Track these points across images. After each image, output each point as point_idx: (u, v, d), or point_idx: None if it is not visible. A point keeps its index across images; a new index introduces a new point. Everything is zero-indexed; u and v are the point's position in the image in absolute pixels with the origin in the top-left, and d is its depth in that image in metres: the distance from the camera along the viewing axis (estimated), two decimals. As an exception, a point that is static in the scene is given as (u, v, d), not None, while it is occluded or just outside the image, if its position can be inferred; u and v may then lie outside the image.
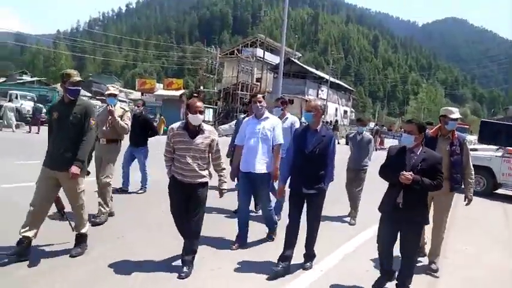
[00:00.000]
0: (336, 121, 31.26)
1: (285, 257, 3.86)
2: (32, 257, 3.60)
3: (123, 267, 3.61)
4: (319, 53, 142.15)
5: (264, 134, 4.43)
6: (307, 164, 3.83)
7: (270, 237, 4.81)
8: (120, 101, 31.36)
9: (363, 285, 3.67)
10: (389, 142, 29.90)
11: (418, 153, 3.39)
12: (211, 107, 29.71)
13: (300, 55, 67.91)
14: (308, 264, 4.02)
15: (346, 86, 61.47)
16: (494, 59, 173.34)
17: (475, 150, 10.79)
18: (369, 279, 3.70)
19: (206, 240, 4.30)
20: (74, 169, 3.66)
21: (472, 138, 23.99)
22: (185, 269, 3.58)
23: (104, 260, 3.75)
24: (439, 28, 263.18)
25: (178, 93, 27.38)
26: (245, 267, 3.90)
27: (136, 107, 6.79)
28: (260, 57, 36.02)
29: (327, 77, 46.08)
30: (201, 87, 28.86)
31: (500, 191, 10.30)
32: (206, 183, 3.72)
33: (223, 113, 30.73)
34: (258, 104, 4.50)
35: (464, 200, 4.28)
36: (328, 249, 4.47)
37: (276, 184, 4.68)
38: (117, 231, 4.64)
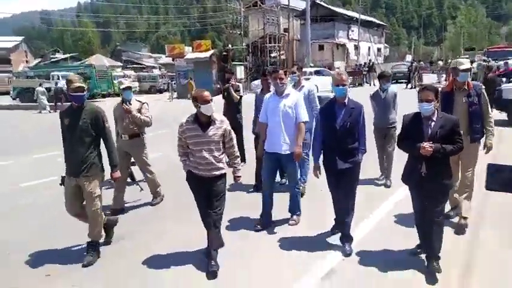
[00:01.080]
0: (371, 62, 30.07)
1: (338, 227, 4.08)
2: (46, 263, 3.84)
3: (151, 263, 3.74)
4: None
5: (286, 112, 4.30)
6: (338, 139, 3.76)
7: (292, 220, 4.62)
8: (151, 67, 32.24)
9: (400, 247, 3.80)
10: (430, 78, 28.74)
11: (434, 120, 3.30)
12: (241, 64, 29.57)
13: (326, -5, 64.57)
14: (347, 248, 3.85)
15: (378, 21, 58.29)
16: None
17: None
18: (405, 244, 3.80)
19: (229, 220, 4.34)
20: (116, 174, 3.94)
21: None
22: (213, 262, 3.52)
23: (133, 255, 3.90)
24: None
25: (207, 54, 27.44)
26: (270, 251, 3.92)
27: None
28: (285, 5, 34.78)
29: (356, 15, 43.88)
30: (230, 46, 28.61)
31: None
32: (224, 174, 3.65)
33: (254, 68, 30.55)
34: (279, 81, 4.35)
35: (484, 148, 4.23)
36: (363, 214, 4.47)
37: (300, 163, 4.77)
38: (130, 225, 4.68)
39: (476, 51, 41.11)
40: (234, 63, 28.73)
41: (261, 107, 4.90)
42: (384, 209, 4.91)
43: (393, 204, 4.99)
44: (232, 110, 7.11)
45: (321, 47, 39.16)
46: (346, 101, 3.80)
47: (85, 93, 3.82)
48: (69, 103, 4.02)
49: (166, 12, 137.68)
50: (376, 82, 23.66)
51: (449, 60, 35.47)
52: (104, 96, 28.06)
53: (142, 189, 5.40)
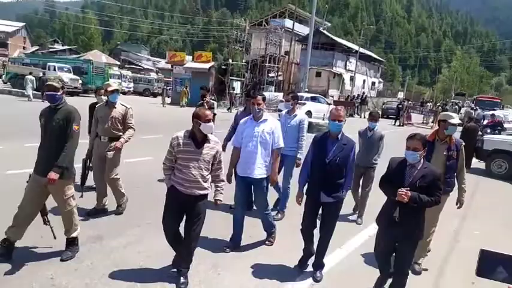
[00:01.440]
0: (364, 95, 30.76)
1: (309, 254, 4.07)
2: (16, 259, 3.68)
3: (118, 277, 3.63)
4: (348, 18, 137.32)
5: (263, 138, 4.29)
6: (326, 172, 3.77)
7: (268, 241, 4.65)
8: (149, 70, 32.37)
9: (364, 283, 3.82)
10: (417, 118, 29.56)
11: (418, 169, 3.32)
12: (239, 80, 30.01)
13: (329, 24, 66.19)
14: (318, 274, 3.96)
15: (376, 56, 59.85)
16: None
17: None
18: (369, 279, 3.80)
19: (200, 239, 4.14)
20: (52, 175, 3.59)
21: (503, 114, 23.10)
22: (182, 279, 3.54)
23: (96, 270, 3.73)
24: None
25: (207, 65, 27.82)
26: (240, 272, 3.94)
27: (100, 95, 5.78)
28: (288, 28, 35.62)
29: (356, 48, 45.08)
30: (230, 60, 29.07)
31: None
32: (207, 195, 3.61)
33: (250, 84, 31.01)
34: (257, 106, 4.33)
35: (456, 204, 4.38)
36: (332, 247, 4.34)
37: (275, 186, 4.83)
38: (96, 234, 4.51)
39: (466, 97, 42.30)
40: (231, 77, 29.14)
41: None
42: (354, 243, 4.94)
43: (363, 240, 5.05)
44: None
45: (318, 74, 39.99)
46: (339, 136, 3.82)
47: (59, 93, 3.73)
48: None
49: (171, 18, 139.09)
50: (367, 115, 24.21)
51: (438, 104, 36.46)
52: (96, 92, 27.87)
53: (81, 197, 4.96)
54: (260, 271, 3.99)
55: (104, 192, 5.12)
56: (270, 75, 33.06)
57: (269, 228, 4.65)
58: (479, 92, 61.39)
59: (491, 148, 10.00)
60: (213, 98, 19.34)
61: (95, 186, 5.32)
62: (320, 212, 3.96)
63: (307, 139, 5.12)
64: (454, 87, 63.86)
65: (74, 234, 3.87)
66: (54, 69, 26.01)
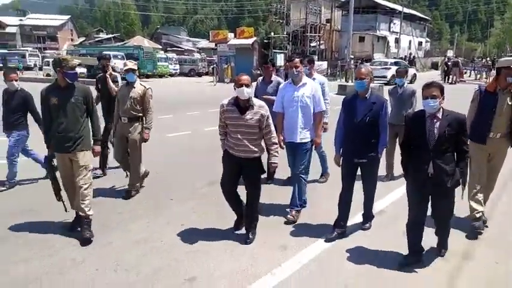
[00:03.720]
0: (412, 55, 29.78)
1: (339, 225, 3.93)
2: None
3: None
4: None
5: (303, 102, 4.22)
6: (357, 133, 3.71)
7: (290, 215, 4.37)
8: (190, 51, 33.26)
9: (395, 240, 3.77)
10: (472, 75, 28.42)
11: (441, 118, 3.15)
12: (281, 52, 30.26)
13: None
14: (367, 225, 4.07)
15: (421, 15, 56.95)
16: None
17: None
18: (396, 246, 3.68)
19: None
20: (98, 148, 4.07)
21: None
22: (250, 235, 3.78)
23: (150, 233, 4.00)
24: None
25: (250, 41, 28.29)
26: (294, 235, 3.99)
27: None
28: (327, -5, 34.95)
29: (399, 8, 43.27)
30: (272, 33, 29.33)
31: None
32: (259, 157, 3.74)
33: (293, 56, 31.09)
34: (295, 69, 4.21)
35: None
36: (359, 209, 4.23)
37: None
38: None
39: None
40: (274, 51, 29.44)
41: (260, 96, 5.02)
42: (380, 205, 4.74)
43: (390, 203, 4.92)
44: (107, 106, 5.77)
45: (362, 39, 39.09)
46: (368, 95, 3.74)
47: (78, 71, 3.92)
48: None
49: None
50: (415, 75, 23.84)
51: (488, 59, 34.61)
52: (147, 76, 29.36)
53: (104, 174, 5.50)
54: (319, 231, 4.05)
55: (130, 170, 5.21)
56: (312, 44, 32.89)
57: (298, 197, 4.40)
58: (538, 43, 56.83)
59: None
60: (258, 72, 20.02)
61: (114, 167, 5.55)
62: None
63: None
64: (509, 41, 59.53)
65: (90, 212, 3.92)
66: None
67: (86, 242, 3.77)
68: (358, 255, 3.57)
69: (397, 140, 5.49)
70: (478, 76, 27.49)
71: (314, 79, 5.13)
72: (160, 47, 52.18)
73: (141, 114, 5.04)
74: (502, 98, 3.85)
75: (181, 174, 6.16)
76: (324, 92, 5.07)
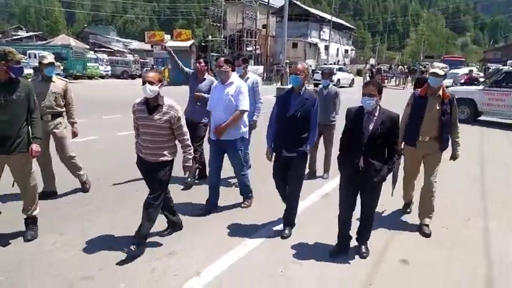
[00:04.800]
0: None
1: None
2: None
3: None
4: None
5: (227, 101, 4.28)
6: (289, 127, 3.81)
7: (243, 203, 4.68)
8: (120, 52, 31.94)
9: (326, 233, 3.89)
10: (391, 81, 31.24)
11: (376, 115, 3.34)
12: (219, 55, 30.65)
13: (300, -5, 66.47)
14: (287, 232, 3.97)
15: (347, 24, 61.02)
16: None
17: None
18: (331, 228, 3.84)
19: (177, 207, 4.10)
20: (36, 147, 3.62)
21: (463, 71, 24.82)
22: (132, 247, 3.37)
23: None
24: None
25: (188, 43, 28.22)
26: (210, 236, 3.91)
27: None
28: (262, 2, 36.09)
29: (329, 17, 46.03)
30: (209, 37, 29.56)
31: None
32: (168, 162, 3.49)
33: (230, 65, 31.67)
34: (219, 68, 4.35)
35: (451, 159, 4.25)
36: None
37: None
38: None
39: (435, 59, 44.43)
40: (212, 54, 29.73)
41: (192, 93, 5.21)
42: (309, 200, 4.94)
43: (320, 197, 5.11)
44: None
45: (295, 45, 40.97)
46: (302, 91, 3.86)
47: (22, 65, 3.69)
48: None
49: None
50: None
51: (406, 66, 38.34)
52: (76, 77, 27.88)
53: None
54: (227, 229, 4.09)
55: (52, 175, 4.84)
56: (248, 49, 33.74)
57: (246, 194, 4.68)
58: (447, 53, 63.86)
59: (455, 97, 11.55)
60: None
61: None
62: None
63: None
64: (422, 50, 66.08)
65: (35, 212, 3.75)
66: (35, 57, 25.90)
67: (29, 240, 3.63)
68: (293, 248, 3.72)
69: (321, 138, 5.79)
70: (397, 82, 30.25)
71: (248, 78, 5.27)
72: (88, 47, 49.68)
73: (63, 110, 4.79)
74: (432, 103, 4.01)
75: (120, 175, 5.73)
76: (256, 92, 5.28)
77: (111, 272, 3.19)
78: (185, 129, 3.53)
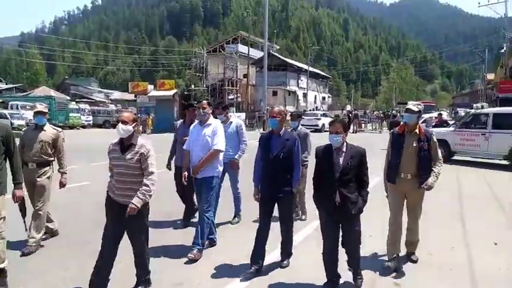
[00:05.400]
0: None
1: (256, 261, 3.94)
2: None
3: None
4: (291, 39, 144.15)
5: (203, 141, 4.43)
6: (273, 168, 3.92)
7: (190, 255, 4.32)
8: (101, 102, 32.60)
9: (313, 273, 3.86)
10: (368, 125, 32.55)
11: (345, 151, 3.49)
12: (201, 104, 31.41)
13: (278, 47, 69.87)
14: (285, 262, 4.12)
15: (323, 73, 64.08)
16: (461, 33, 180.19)
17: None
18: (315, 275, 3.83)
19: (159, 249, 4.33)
20: (19, 192, 3.68)
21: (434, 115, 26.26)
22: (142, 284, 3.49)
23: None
24: (406, 6, 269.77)
25: (170, 93, 28.98)
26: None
27: None
28: (242, 53, 37.84)
29: (305, 67, 48.39)
30: (192, 86, 30.50)
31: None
32: (142, 204, 3.31)
33: (212, 108, 32.47)
34: (202, 110, 4.49)
35: (421, 185, 4.06)
36: (275, 244, 4.32)
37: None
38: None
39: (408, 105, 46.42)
40: (195, 102, 30.42)
41: (180, 138, 5.29)
42: (300, 236, 4.99)
43: (303, 237, 5.09)
44: None
45: (275, 93, 42.51)
46: (282, 132, 4.03)
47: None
48: None
49: (116, 48, 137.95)
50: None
51: (381, 111, 40.18)
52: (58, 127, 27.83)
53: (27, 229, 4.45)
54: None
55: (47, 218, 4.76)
56: (230, 97, 34.80)
57: (201, 236, 4.38)
58: (418, 99, 67.11)
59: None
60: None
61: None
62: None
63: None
64: (394, 97, 69.30)
65: (2, 265, 3.48)
66: (17, 108, 26.03)
67: None
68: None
69: None
70: (374, 126, 31.51)
71: (231, 122, 5.47)
72: (69, 98, 49.94)
73: (52, 159, 4.68)
74: (409, 140, 4.09)
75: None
76: (241, 134, 5.51)
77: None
78: (152, 168, 3.35)
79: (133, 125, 3.33)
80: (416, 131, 4.10)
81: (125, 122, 3.27)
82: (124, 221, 3.29)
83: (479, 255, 4.57)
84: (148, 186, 3.31)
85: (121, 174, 3.32)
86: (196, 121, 4.83)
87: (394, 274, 3.98)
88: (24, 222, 4.35)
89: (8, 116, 23.75)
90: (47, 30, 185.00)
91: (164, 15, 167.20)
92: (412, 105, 4.15)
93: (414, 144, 4.06)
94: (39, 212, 4.50)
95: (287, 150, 3.93)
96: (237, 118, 5.92)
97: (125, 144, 3.35)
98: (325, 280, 3.61)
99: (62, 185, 4.77)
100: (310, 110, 37.66)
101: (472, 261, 4.40)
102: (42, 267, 4.07)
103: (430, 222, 5.34)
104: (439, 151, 4.17)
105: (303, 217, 5.95)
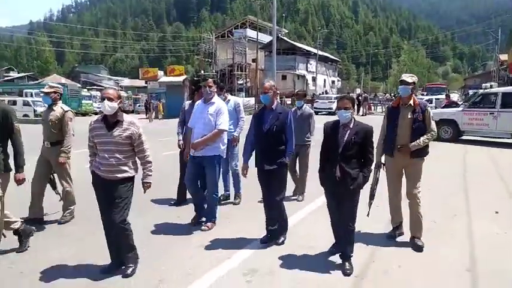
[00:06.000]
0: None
1: (268, 229, 4.16)
2: None
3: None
4: (300, 23, 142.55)
5: (206, 119, 4.46)
6: (266, 141, 4.00)
7: (205, 225, 4.58)
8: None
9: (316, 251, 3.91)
10: (377, 108, 32.57)
11: (351, 127, 3.54)
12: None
13: (287, 31, 69.42)
14: (282, 238, 4.16)
15: (332, 57, 63.57)
16: (474, 13, 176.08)
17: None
18: (321, 246, 3.96)
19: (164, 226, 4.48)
20: (21, 175, 3.75)
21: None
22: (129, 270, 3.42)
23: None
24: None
25: (180, 78, 29.23)
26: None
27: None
28: (251, 38, 37.81)
29: (314, 51, 48.16)
30: (202, 71, 30.73)
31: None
32: (129, 178, 3.41)
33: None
34: (208, 88, 4.52)
35: (401, 147, 4.08)
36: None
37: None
38: None
39: (418, 88, 46.43)
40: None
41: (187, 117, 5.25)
42: (298, 216, 5.02)
43: (307, 214, 5.18)
44: None
45: (284, 77, 42.53)
46: (274, 106, 4.09)
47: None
48: None
49: (124, 35, 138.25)
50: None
51: (392, 94, 40.08)
52: (71, 115, 28.45)
53: (61, 199, 4.87)
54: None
55: (41, 201, 4.78)
56: (239, 82, 34.95)
57: (210, 216, 4.62)
58: (429, 81, 66.46)
59: (438, 118, 12.25)
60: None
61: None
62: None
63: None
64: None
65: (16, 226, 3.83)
66: (32, 95, 26.63)
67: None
68: (290, 262, 3.72)
69: (297, 159, 5.81)
70: (383, 109, 31.51)
71: (229, 100, 5.50)
72: (79, 85, 50.60)
73: (61, 139, 4.72)
74: (404, 112, 4.11)
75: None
76: (239, 111, 5.59)
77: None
78: (146, 145, 3.46)
79: (118, 101, 3.33)
80: (411, 102, 4.10)
81: (110, 99, 3.25)
82: (112, 196, 3.34)
83: (479, 222, 4.86)
84: (151, 162, 3.50)
85: (109, 151, 3.31)
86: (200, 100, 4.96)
87: (398, 239, 4.26)
88: (58, 193, 4.86)
89: (31, 104, 24.54)
90: (55, 19, 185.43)
91: (171, 1, 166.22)
92: (405, 76, 4.16)
93: (409, 116, 4.08)
94: (67, 189, 4.78)
95: (280, 123, 3.99)
96: (234, 97, 5.98)
97: (110, 122, 3.34)
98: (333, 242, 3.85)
99: (59, 163, 4.70)
100: (320, 94, 37.70)
101: (472, 228, 4.70)
102: (76, 235, 4.44)
103: (434, 193, 5.64)
104: (433, 122, 4.14)
105: (300, 198, 5.82)
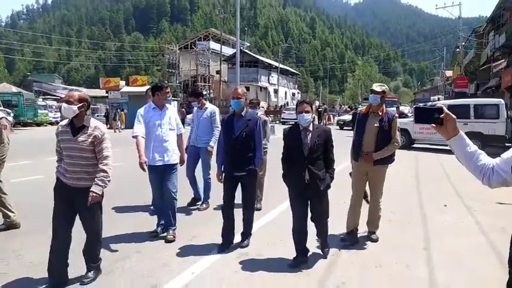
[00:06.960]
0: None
1: (226, 236, 4.08)
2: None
3: None
4: (260, 37, 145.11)
5: (169, 124, 4.42)
6: (236, 148, 3.99)
7: (170, 235, 4.34)
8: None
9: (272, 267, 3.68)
10: (336, 118, 34.07)
11: (312, 130, 3.60)
12: (175, 100, 31.84)
13: (249, 44, 70.74)
14: (245, 242, 4.14)
15: (293, 70, 65.53)
16: (421, 32, 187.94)
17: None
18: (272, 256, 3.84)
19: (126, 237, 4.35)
20: None
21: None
22: (90, 274, 3.28)
23: None
24: (369, 5, 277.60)
25: (143, 88, 29.00)
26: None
27: None
28: (214, 50, 38.36)
29: (276, 64, 49.53)
30: (166, 81, 30.76)
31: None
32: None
33: (185, 103, 32.93)
34: (167, 95, 4.52)
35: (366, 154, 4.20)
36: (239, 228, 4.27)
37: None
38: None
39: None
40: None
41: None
42: (258, 224, 4.83)
43: (266, 222, 5.07)
44: None
45: (247, 89, 43.21)
46: (243, 113, 4.09)
47: None
48: None
49: (79, 44, 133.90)
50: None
51: (348, 106, 42.08)
52: (25, 125, 27.39)
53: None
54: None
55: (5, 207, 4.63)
56: (203, 93, 35.25)
57: (168, 224, 4.40)
58: (382, 95, 69.71)
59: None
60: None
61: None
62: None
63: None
64: (360, 93, 71.91)
65: None
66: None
67: None
68: (251, 264, 3.72)
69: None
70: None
71: (206, 108, 5.64)
72: (32, 93, 48.53)
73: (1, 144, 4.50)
74: (371, 120, 4.21)
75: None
76: (214, 121, 5.63)
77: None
78: (107, 152, 3.22)
79: (80, 105, 3.11)
80: (379, 112, 4.20)
81: (68, 102, 3.08)
82: (77, 205, 3.20)
83: (431, 214, 5.68)
84: (106, 171, 3.19)
85: (73, 157, 3.15)
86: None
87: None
88: None
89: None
90: (3, 25, 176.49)
91: (130, 11, 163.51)
92: (375, 86, 4.27)
93: (376, 125, 4.16)
94: None
95: (249, 129, 4.01)
96: (211, 105, 5.96)
97: (76, 126, 3.17)
98: (294, 255, 3.74)
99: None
100: (285, 106, 38.80)
101: (426, 217, 5.49)
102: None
103: (393, 192, 6.39)
104: (398, 133, 4.27)
105: (258, 205, 5.49)
